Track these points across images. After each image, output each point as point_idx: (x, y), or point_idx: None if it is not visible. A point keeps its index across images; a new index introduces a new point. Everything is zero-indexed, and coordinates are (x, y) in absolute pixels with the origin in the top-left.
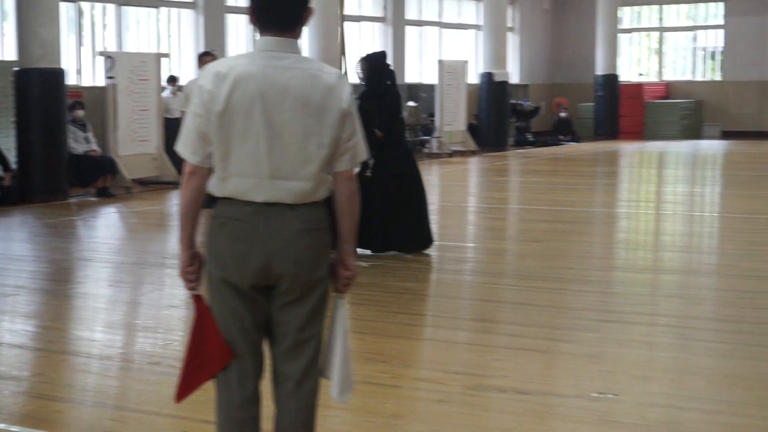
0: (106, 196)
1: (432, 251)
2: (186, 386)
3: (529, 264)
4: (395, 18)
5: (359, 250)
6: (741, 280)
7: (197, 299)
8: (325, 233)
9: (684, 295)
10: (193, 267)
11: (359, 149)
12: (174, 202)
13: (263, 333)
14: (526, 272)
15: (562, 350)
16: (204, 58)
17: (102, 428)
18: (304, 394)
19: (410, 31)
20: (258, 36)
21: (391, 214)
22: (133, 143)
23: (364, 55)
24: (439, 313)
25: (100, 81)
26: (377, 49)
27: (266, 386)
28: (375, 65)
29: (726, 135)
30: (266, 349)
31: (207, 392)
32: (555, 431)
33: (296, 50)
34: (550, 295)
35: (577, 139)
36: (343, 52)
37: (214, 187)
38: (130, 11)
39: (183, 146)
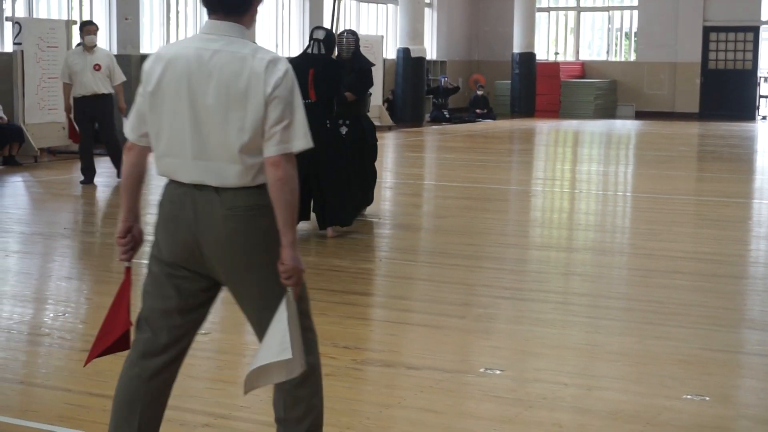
0: (12, 164)
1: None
2: (92, 351)
3: (443, 241)
4: None
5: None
6: (638, 259)
7: (126, 271)
8: (258, 219)
9: (583, 273)
10: (125, 239)
11: (290, 136)
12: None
13: (192, 316)
14: (439, 249)
15: (456, 326)
16: (86, 27)
17: None
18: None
19: (328, 5)
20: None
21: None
22: (42, 111)
23: (348, 29)
24: (336, 287)
25: (8, 47)
26: (295, 21)
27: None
28: (358, 40)
29: (639, 115)
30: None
31: (96, 365)
32: (437, 406)
33: (234, 34)
34: (457, 272)
35: (493, 117)
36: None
37: (158, 166)
38: None
39: (127, 123)
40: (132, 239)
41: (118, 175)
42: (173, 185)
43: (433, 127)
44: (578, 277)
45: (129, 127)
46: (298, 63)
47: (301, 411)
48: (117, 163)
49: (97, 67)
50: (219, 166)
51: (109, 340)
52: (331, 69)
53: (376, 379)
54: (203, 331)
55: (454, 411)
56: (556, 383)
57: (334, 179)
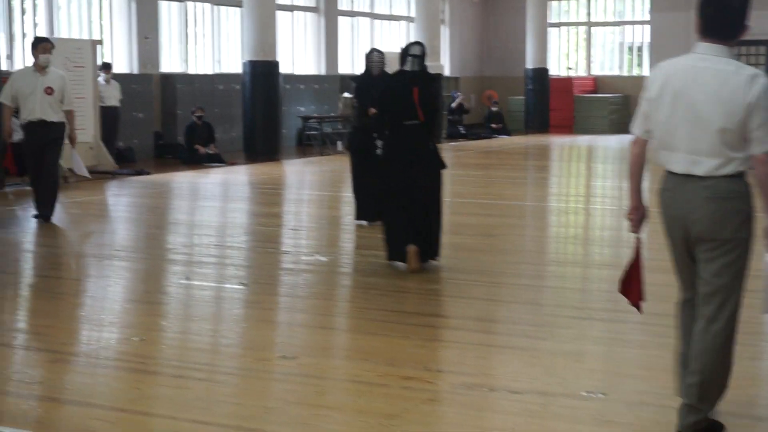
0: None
1: (382, 245)
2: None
3: (487, 259)
4: (327, 8)
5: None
6: None
7: (636, 241)
8: (734, 202)
9: (652, 293)
10: (634, 215)
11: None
12: (113, 192)
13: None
14: (486, 268)
15: (543, 348)
16: (41, 44)
17: (88, 428)
18: (711, 334)
19: (343, 22)
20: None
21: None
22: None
23: (374, 47)
24: (409, 309)
25: None
26: (310, 38)
27: None
28: (384, 58)
29: None
30: None
31: (190, 391)
32: (553, 431)
33: (722, 54)
34: (516, 291)
35: (508, 132)
36: None
37: (655, 157)
38: None
39: (633, 121)
40: (640, 214)
41: (42, 214)
42: (669, 175)
43: (450, 143)
44: (650, 297)
45: (636, 124)
46: (398, 82)
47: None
48: (51, 201)
49: (48, 91)
50: (704, 159)
51: (629, 298)
52: (433, 86)
53: (483, 404)
54: (289, 354)
55: None
56: (665, 407)
57: (437, 204)
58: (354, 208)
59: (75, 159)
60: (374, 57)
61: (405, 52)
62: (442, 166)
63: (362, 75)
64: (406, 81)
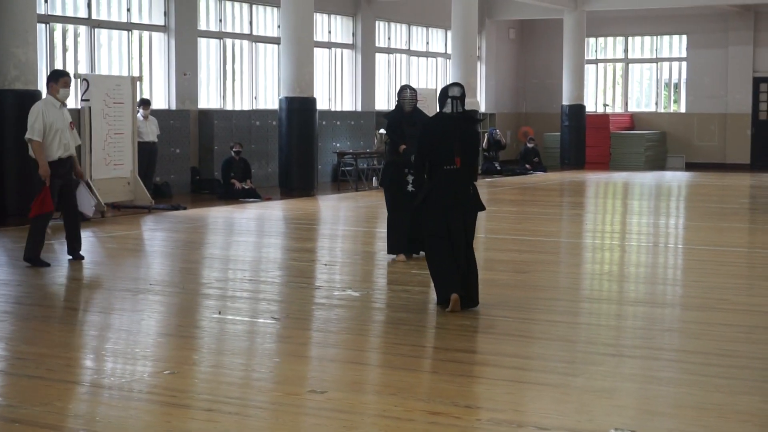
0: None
1: (414, 280)
2: None
3: (520, 295)
4: (364, 45)
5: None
6: (734, 315)
7: None
8: None
9: (684, 330)
10: None
11: None
12: (149, 227)
13: None
14: (519, 304)
15: (573, 384)
16: (62, 78)
17: None
18: None
19: (380, 59)
20: None
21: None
22: (108, 167)
23: (407, 84)
24: (440, 344)
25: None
26: (347, 75)
27: None
28: (417, 95)
29: (689, 166)
30: None
31: (220, 425)
32: None
33: None
34: (548, 327)
35: (543, 169)
36: None
37: None
38: (102, 33)
39: None
40: None
41: (72, 253)
42: None
43: (486, 179)
44: (679, 334)
45: None
46: (438, 125)
47: None
48: (78, 236)
49: (72, 126)
50: None
51: None
52: (474, 127)
53: None
54: (319, 389)
55: None
56: None
57: (472, 247)
58: (387, 243)
59: (82, 194)
60: (407, 94)
61: (444, 94)
62: (481, 208)
63: (394, 111)
64: (446, 124)
